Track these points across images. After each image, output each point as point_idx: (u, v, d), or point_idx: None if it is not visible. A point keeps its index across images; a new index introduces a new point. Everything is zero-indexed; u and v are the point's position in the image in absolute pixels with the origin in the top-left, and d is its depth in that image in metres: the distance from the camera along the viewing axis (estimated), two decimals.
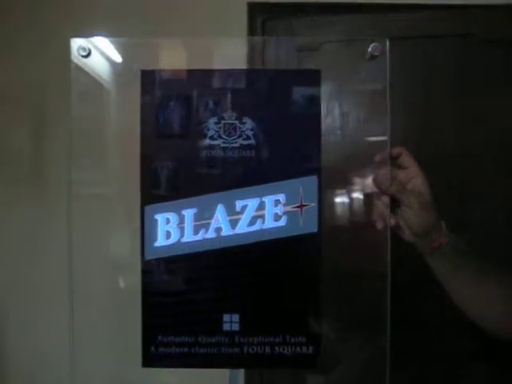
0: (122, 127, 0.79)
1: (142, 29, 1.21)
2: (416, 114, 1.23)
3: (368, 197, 0.76)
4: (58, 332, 1.03)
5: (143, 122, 0.74)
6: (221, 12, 1.30)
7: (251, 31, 1.28)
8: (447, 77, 1.19)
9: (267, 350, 0.75)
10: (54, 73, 1.00)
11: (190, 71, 0.74)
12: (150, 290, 0.76)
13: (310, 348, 0.75)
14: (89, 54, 0.73)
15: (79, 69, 0.74)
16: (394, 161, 0.75)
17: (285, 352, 0.75)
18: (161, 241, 0.75)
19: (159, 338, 0.76)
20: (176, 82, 0.74)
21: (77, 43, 0.73)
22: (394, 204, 0.74)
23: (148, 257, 0.75)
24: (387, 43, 0.69)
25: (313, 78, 0.72)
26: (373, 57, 0.69)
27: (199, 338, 0.76)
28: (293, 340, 0.75)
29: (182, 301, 0.77)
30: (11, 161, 1.38)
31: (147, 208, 0.74)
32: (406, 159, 0.75)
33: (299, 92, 0.72)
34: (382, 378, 0.74)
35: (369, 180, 0.74)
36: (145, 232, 0.75)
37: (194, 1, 1.34)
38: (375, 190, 0.74)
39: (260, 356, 0.76)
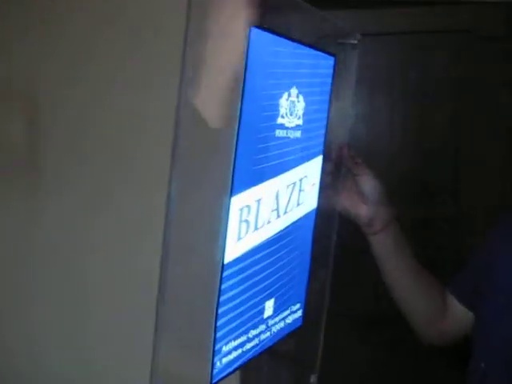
0: None
1: None
2: (412, 109, 1.22)
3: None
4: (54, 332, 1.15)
5: None
6: None
7: None
8: (444, 72, 1.19)
9: (282, 324, 0.80)
10: None
11: None
12: (227, 296, 0.66)
13: (301, 311, 0.85)
14: None
15: None
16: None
17: (288, 321, 0.82)
18: (240, 237, 0.66)
19: (223, 348, 0.68)
20: None
21: None
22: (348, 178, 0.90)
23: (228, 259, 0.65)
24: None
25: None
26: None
27: (249, 334, 0.73)
28: (294, 308, 0.83)
29: (243, 300, 0.70)
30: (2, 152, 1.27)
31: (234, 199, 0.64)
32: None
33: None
34: None
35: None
36: (228, 228, 0.64)
37: None
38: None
39: (278, 331, 0.80)
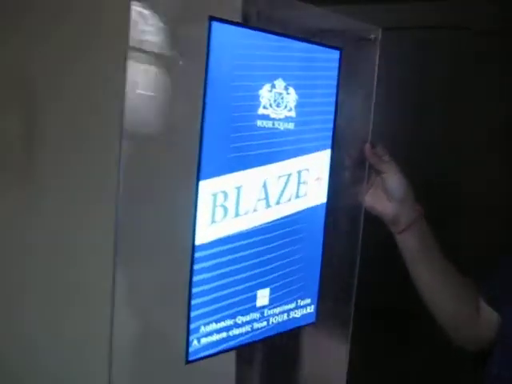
0: None
1: None
2: (409, 106, 1.24)
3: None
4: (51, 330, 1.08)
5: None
6: None
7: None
8: (441, 68, 1.21)
9: (285, 316, 0.80)
10: None
11: None
12: (200, 277, 0.69)
13: (313, 307, 0.84)
14: None
15: None
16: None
17: (296, 315, 0.82)
18: (215, 221, 0.69)
19: (202, 328, 0.70)
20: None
21: None
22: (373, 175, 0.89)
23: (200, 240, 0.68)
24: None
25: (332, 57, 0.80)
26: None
27: (236, 319, 0.74)
28: (302, 303, 0.82)
29: (226, 284, 0.72)
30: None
31: (203, 183, 0.67)
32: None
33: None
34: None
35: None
36: (198, 211, 0.67)
37: None
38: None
39: (279, 324, 0.80)
